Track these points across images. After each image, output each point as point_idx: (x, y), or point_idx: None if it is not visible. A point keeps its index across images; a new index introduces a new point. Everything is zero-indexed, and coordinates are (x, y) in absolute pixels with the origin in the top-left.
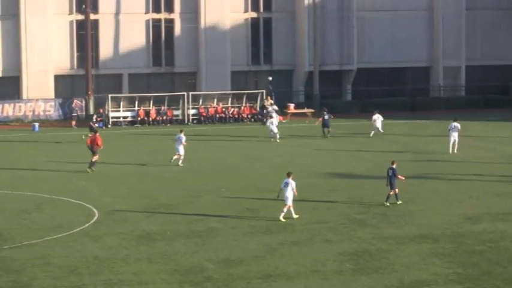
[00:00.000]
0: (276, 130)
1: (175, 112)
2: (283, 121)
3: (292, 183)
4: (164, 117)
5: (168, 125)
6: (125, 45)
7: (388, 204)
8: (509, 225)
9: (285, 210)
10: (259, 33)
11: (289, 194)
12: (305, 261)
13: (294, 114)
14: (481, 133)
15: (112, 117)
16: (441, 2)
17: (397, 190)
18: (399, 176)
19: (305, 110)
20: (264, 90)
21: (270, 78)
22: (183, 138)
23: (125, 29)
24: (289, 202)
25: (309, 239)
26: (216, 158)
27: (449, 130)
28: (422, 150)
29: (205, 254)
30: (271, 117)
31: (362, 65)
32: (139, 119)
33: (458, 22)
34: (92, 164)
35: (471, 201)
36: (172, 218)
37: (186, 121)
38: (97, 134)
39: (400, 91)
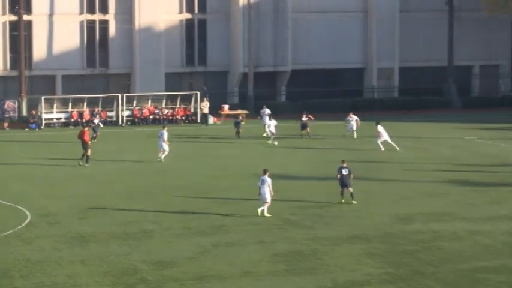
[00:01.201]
0: (273, 130)
1: (109, 113)
2: (217, 122)
3: (268, 181)
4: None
5: (102, 126)
6: (59, 46)
7: (343, 200)
8: (442, 226)
9: (266, 206)
10: (194, 35)
11: (267, 191)
12: (238, 262)
13: (228, 115)
14: (414, 134)
15: (45, 119)
16: (375, 4)
17: (351, 189)
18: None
19: (239, 112)
20: (198, 92)
21: (205, 88)
22: (165, 134)
23: (59, 30)
24: (268, 199)
25: (242, 240)
26: (150, 160)
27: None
28: (358, 151)
29: (139, 256)
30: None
31: (297, 66)
32: (72, 120)
33: (392, 24)
34: (86, 158)
35: (404, 202)
36: (106, 220)
37: (120, 122)
38: (85, 129)
39: (334, 92)
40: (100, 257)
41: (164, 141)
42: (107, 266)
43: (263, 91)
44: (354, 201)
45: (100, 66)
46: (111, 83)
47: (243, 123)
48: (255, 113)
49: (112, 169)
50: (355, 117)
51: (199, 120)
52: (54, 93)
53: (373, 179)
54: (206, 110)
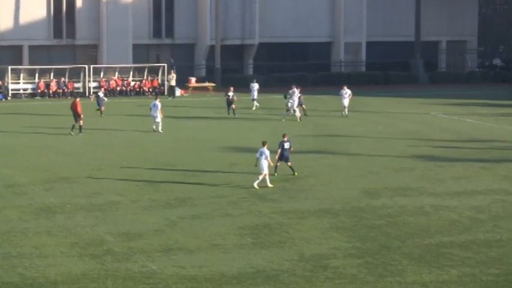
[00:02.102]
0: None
1: (76, 85)
2: (184, 95)
3: (266, 152)
4: (65, 90)
5: (69, 97)
6: (26, 17)
7: (276, 174)
8: (408, 200)
9: (260, 178)
10: (161, 7)
11: (264, 162)
12: (205, 235)
13: (195, 88)
14: (381, 109)
15: (12, 90)
16: None
17: (289, 163)
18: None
19: (206, 84)
20: (165, 64)
21: (172, 60)
22: (159, 105)
23: (26, 1)
24: (265, 171)
25: (209, 213)
26: (117, 131)
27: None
28: (323, 125)
29: (105, 228)
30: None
31: (264, 39)
32: (39, 91)
33: None
34: (79, 128)
35: (371, 176)
36: (73, 191)
37: (87, 94)
38: (77, 100)
39: (302, 66)
40: (66, 228)
41: (158, 111)
42: (73, 237)
43: (230, 64)
44: (296, 174)
45: (67, 37)
46: (77, 54)
47: (235, 98)
48: (222, 86)
49: (79, 141)
50: (349, 91)
51: (166, 93)
52: (20, 64)
53: (340, 153)
54: (173, 83)
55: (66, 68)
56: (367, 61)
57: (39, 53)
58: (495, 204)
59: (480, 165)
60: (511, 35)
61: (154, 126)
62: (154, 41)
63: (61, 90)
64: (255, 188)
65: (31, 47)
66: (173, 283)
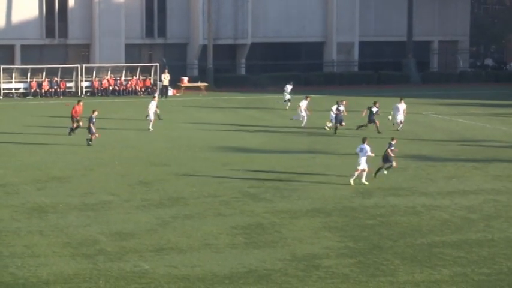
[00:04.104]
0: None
1: (69, 84)
2: (177, 94)
3: (367, 148)
4: (57, 89)
5: (61, 97)
6: (18, 16)
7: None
8: (400, 200)
9: (356, 174)
10: (154, 6)
11: (363, 159)
12: (198, 234)
13: (187, 87)
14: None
15: (4, 89)
16: None
17: (394, 163)
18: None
19: (199, 84)
20: (158, 64)
21: (165, 60)
22: (154, 104)
23: (18, 0)
24: (362, 167)
25: (201, 212)
26: (109, 131)
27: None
28: (315, 124)
29: (97, 227)
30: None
31: (256, 39)
32: (31, 90)
33: None
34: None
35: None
36: (65, 191)
37: (79, 93)
38: (77, 105)
39: (294, 66)
40: (59, 228)
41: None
42: (65, 237)
43: (223, 64)
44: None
45: (59, 36)
46: (70, 53)
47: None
48: (214, 86)
49: (71, 140)
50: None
51: (158, 92)
52: (13, 63)
53: (332, 153)
54: (166, 82)
55: (58, 68)
56: (360, 61)
57: (32, 53)
58: (487, 204)
59: (472, 165)
60: (503, 35)
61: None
62: (147, 41)
63: (53, 90)
64: (350, 184)
65: (23, 47)
66: (165, 283)
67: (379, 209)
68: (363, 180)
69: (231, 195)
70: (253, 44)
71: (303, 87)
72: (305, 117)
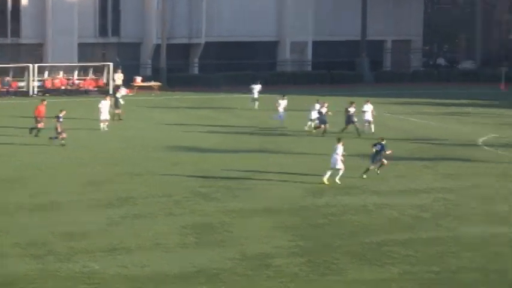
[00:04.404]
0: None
1: (20, 84)
2: (130, 94)
3: (340, 148)
4: (8, 89)
5: (13, 96)
6: None
7: (364, 176)
8: (351, 199)
9: (329, 173)
10: (108, 5)
11: (336, 159)
12: (148, 234)
13: (140, 87)
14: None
15: None
16: None
17: (385, 161)
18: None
19: (152, 83)
20: (111, 63)
21: (118, 60)
22: (107, 104)
23: None
24: (338, 166)
25: (152, 212)
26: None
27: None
28: (269, 124)
29: (47, 228)
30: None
31: (210, 38)
32: None
33: None
34: (36, 130)
35: (314, 176)
36: (14, 191)
37: (31, 93)
38: (40, 105)
39: (248, 65)
40: (7, 228)
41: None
42: (14, 238)
43: (176, 63)
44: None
45: (11, 35)
46: (22, 52)
47: (329, 113)
48: (168, 85)
49: (21, 141)
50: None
51: (111, 92)
52: None
53: (285, 152)
54: (119, 82)
55: (10, 67)
56: (313, 60)
57: None
58: (437, 202)
59: (423, 164)
60: (455, 35)
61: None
62: (100, 40)
63: (5, 89)
64: (338, 183)
65: None
66: (115, 283)
67: (331, 208)
68: (336, 180)
69: (182, 195)
70: (207, 44)
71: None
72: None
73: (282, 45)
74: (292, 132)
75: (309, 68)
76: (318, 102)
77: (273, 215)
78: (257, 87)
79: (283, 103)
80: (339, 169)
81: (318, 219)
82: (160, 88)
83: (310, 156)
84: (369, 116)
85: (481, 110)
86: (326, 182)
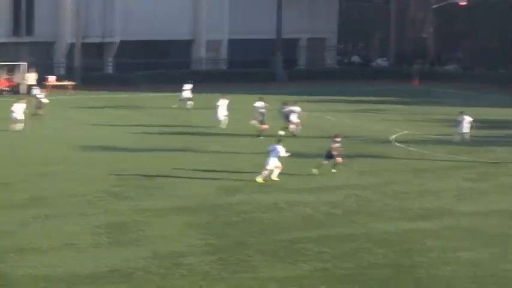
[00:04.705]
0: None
1: None
2: (43, 94)
3: (278, 149)
4: None
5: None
6: None
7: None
8: (264, 197)
9: (264, 173)
10: (21, 3)
11: (273, 159)
12: (59, 234)
13: (54, 86)
14: (240, 106)
15: None
16: None
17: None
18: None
19: (66, 83)
20: (25, 63)
21: (32, 59)
22: (22, 106)
23: None
24: (270, 167)
25: (64, 212)
26: None
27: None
28: (187, 123)
29: None
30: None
31: (125, 37)
32: None
33: None
34: None
35: (231, 174)
36: None
37: None
38: None
39: (163, 64)
40: None
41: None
42: None
43: (91, 62)
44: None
45: None
46: None
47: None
48: (82, 85)
49: None
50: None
51: (24, 92)
52: None
53: (201, 151)
54: (32, 81)
55: None
56: (229, 59)
57: None
58: (349, 199)
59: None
60: (369, 33)
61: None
62: (13, 39)
63: None
64: (259, 181)
65: None
66: (25, 284)
67: (244, 206)
68: (274, 177)
69: (94, 195)
70: (122, 42)
71: (172, 85)
72: (226, 118)
73: (197, 43)
74: (208, 131)
75: (224, 67)
76: (261, 100)
77: (186, 214)
78: (189, 87)
79: (223, 103)
80: (277, 167)
81: (231, 217)
82: (74, 87)
83: (226, 155)
84: (295, 117)
85: (394, 106)
86: (261, 180)
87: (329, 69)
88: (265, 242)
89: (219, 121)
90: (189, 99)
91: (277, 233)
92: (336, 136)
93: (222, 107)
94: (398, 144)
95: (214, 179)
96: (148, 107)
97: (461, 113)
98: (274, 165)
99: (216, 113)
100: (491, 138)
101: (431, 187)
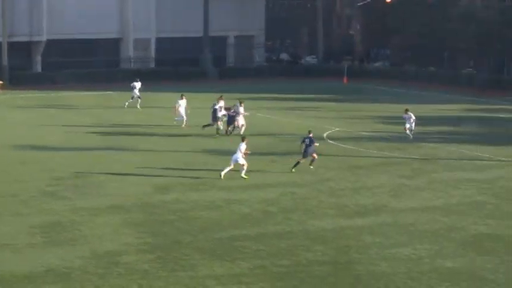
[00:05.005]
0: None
1: None
2: None
3: (242, 146)
4: None
5: None
6: None
7: (294, 170)
8: (200, 195)
9: (227, 169)
10: None
11: (237, 156)
12: None
13: None
14: (171, 104)
15: None
16: None
17: (315, 155)
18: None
19: None
20: None
21: None
22: None
23: None
24: (233, 163)
25: None
26: None
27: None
28: (114, 122)
29: None
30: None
31: (53, 36)
32: None
33: None
34: None
35: (163, 172)
36: None
37: None
38: None
39: (92, 63)
40: None
41: None
42: None
43: (18, 61)
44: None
45: None
46: None
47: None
48: (10, 84)
49: None
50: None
51: None
52: None
53: (132, 150)
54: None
55: None
56: (157, 57)
57: None
58: (285, 196)
59: (270, 158)
60: (297, 30)
61: None
62: None
63: None
64: (244, 177)
65: None
66: None
67: (179, 204)
68: (242, 174)
69: (29, 194)
70: (50, 41)
71: (100, 83)
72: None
73: (125, 42)
74: (138, 130)
75: (153, 65)
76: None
77: (121, 213)
78: (138, 85)
79: (182, 103)
80: (242, 165)
81: (167, 216)
82: (2, 86)
83: (158, 153)
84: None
85: (325, 104)
86: (222, 177)
87: (258, 66)
88: (203, 240)
89: (182, 121)
90: (138, 97)
91: (215, 231)
92: (309, 132)
93: (182, 106)
94: (331, 141)
95: (147, 177)
96: (77, 105)
97: (407, 110)
98: (240, 161)
99: (177, 114)
100: (421, 135)
101: (366, 184)
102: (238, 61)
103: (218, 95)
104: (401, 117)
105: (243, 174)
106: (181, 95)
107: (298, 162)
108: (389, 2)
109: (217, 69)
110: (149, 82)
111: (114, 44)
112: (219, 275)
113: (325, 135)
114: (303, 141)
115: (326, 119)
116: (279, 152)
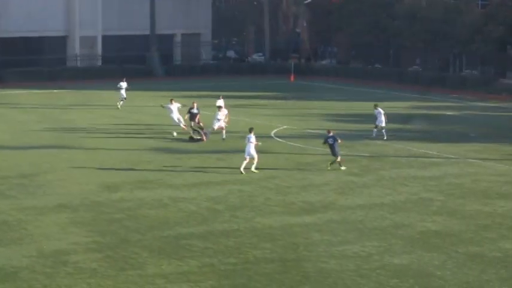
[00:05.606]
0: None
1: None
2: None
3: (252, 137)
4: None
5: None
6: None
7: (329, 168)
8: (147, 193)
9: (244, 163)
10: None
11: (249, 148)
12: None
13: None
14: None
15: None
16: None
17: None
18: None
19: None
20: None
21: None
22: None
23: None
24: (247, 155)
25: None
26: None
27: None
28: (60, 120)
29: None
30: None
31: None
32: None
33: None
34: None
35: (109, 171)
36: None
37: None
38: None
39: (37, 61)
40: None
41: None
42: None
43: None
44: (343, 168)
45: None
46: None
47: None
48: None
49: None
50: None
51: None
52: None
53: (77, 148)
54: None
55: None
56: (104, 55)
57: None
58: (232, 194)
59: (216, 157)
60: (244, 28)
61: None
62: None
63: None
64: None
65: None
66: None
67: (127, 203)
68: (253, 169)
69: None
70: None
71: (46, 82)
72: (180, 119)
73: (71, 40)
74: (85, 127)
75: (99, 63)
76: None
77: (68, 211)
78: (124, 85)
79: (174, 108)
80: (253, 158)
81: (115, 214)
82: None
83: (104, 151)
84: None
85: (272, 102)
86: (243, 172)
87: (205, 64)
88: (151, 239)
89: (177, 124)
90: (124, 98)
91: (163, 230)
92: (328, 131)
93: (175, 110)
94: (278, 139)
95: (95, 176)
96: (23, 104)
97: (376, 106)
98: (251, 154)
99: (172, 122)
100: (366, 132)
101: (313, 181)
102: (185, 59)
103: (165, 93)
104: (373, 114)
105: (253, 169)
106: (171, 100)
107: (334, 161)
108: (335, 0)
109: (164, 67)
110: (95, 80)
111: (61, 42)
112: (168, 273)
113: (272, 133)
114: (326, 141)
115: (274, 116)
116: (226, 150)
